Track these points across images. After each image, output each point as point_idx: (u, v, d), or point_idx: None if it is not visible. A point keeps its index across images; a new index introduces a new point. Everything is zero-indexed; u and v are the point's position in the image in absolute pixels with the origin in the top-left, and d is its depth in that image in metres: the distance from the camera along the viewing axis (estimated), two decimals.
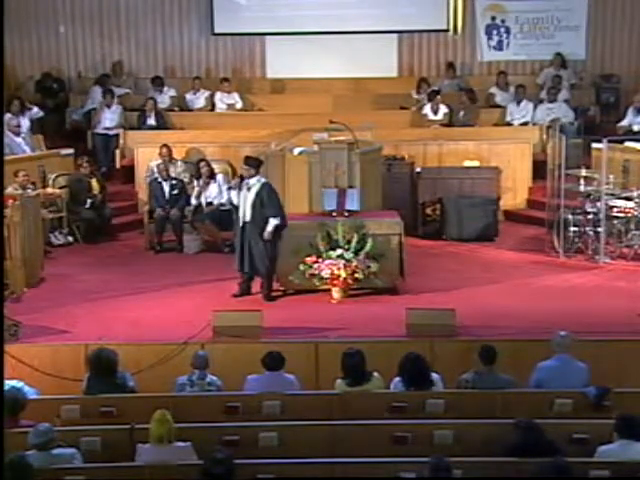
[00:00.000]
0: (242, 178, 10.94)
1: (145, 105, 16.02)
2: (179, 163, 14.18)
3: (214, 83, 17.04)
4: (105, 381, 8.23)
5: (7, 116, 14.60)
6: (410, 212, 13.46)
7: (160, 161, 13.90)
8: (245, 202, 10.80)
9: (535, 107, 15.99)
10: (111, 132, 15.64)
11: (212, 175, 13.57)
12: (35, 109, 15.60)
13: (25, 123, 14.92)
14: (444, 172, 14.06)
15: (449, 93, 16.55)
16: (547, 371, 8.39)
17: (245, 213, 10.82)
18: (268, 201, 10.74)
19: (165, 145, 14.13)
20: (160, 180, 13.48)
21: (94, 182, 13.72)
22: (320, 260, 10.80)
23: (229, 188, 11.54)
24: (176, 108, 16.61)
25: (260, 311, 10.17)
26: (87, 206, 13.47)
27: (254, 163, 10.94)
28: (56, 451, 7.04)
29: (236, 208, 11.13)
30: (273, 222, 10.73)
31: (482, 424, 7.63)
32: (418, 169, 14.04)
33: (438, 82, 17.06)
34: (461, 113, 15.82)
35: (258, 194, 10.72)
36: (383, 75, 17.41)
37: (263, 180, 10.89)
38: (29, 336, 9.76)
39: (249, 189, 10.77)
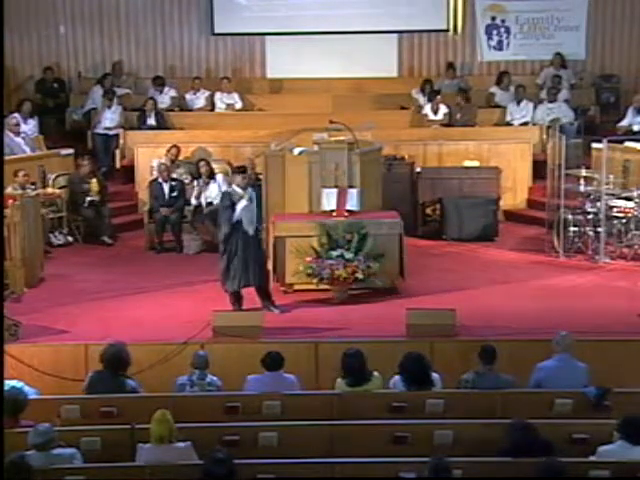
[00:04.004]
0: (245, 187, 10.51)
1: (145, 105, 16.02)
2: (185, 167, 14.17)
3: (214, 83, 17.03)
4: (110, 380, 8.22)
5: (14, 115, 14.62)
6: (410, 212, 13.46)
7: (161, 160, 13.90)
8: (250, 213, 10.42)
9: (535, 107, 15.99)
10: (111, 132, 15.64)
11: (212, 175, 13.59)
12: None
13: (33, 124, 14.93)
14: (444, 172, 14.05)
15: (449, 93, 16.54)
16: (547, 371, 8.39)
17: (251, 224, 10.42)
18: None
19: (175, 146, 14.16)
20: (160, 180, 13.48)
21: (94, 182, 13.69)
22: (320, 260, 10.80)
23: (250, 199, 10.41)
24: (176, 108, 16.61)
25: (260, 311, 10.19)
26: (86, 205, 13.47)
27: (246, 170, 10.76)
28: (56, 451, 7.03)
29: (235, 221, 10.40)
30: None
31: (482, 424, 7.64)
32: (418, 169, 14.04)
33: (438, 82, 17.06)
34: (458, 115, 15.83)
35: (258, 201, 10.64)
36: (383, 75, 17.40)
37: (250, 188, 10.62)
38: (29, 336, 9.76)
39: (251, 199, 10.42)
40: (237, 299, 10.54)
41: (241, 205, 10.33)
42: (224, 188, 13.42)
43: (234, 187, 10.49)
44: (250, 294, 10.91)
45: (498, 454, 7.09)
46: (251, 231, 10.43)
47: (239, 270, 10.39)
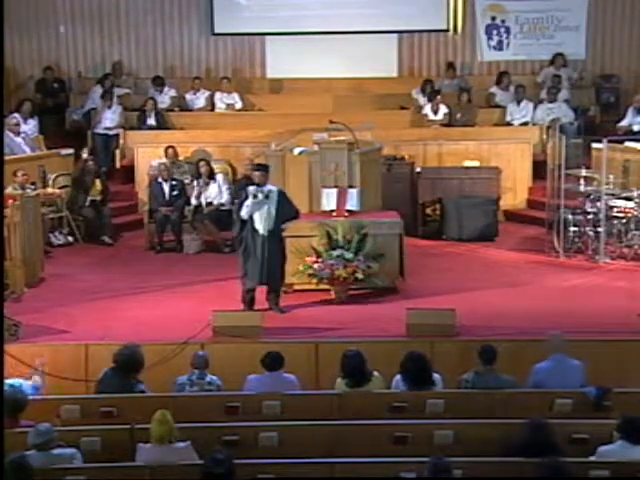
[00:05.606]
0: (253, 184, 10.39)
1: (145, 105, 16.02)
2: (186, 167, 14.16)
3: (214, 83, 17.03)
4: (120, 382, 8.21)
5: (14, 115, 14.61)
6: (410, 212, 13.46)
7: (162, 160, 13.90)
8: (265, 212, 10.23)
9: (535, 107, 15.98)
10: (111, 132, 15.64)
11: (212, 175, 13.59)
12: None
13: (33, 124, 14.93)
14: (444, 172, 14.06)
15: (449, 93, 16.55)
16: (544, 372, 8.39)
17: (266, 223, 10.25)
18: (290, 203, 10.42)
19: (171, 147, 14.15)
20: (160, 180, 13.48)
21: (97, 182, 13.68)
22: (320, 260, 10.79)
23: (255, 196, 10.18)
24: (176, 108, 16.61)
25: (260, 311, 10.18)
26: (87, 204, 13.47)
27: (267, 168, 10.62)
28: (56, 451, 7.04)
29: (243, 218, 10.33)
30: (295, 220, 10.51)
31: (482, 424, 7.64)
32: (418, 169, 14.05)
33: (438, 82, 17.06)
34: (458, 115, 15.83)
35: (280, 202, 10.30)
36: (383, 75, 17.39)
37: (276, 187, 10.46)
38: (29, 336, 9.76)
39: (267, 197, 10.22)
40: (250, 300, 10.49)
41: (247, 202, 10.23)
42: (224, 188, 13.48)
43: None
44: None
45: (508, 452, 7.07)
46: (262, 230, 10.27)
47: (251, 269, 10.33)
